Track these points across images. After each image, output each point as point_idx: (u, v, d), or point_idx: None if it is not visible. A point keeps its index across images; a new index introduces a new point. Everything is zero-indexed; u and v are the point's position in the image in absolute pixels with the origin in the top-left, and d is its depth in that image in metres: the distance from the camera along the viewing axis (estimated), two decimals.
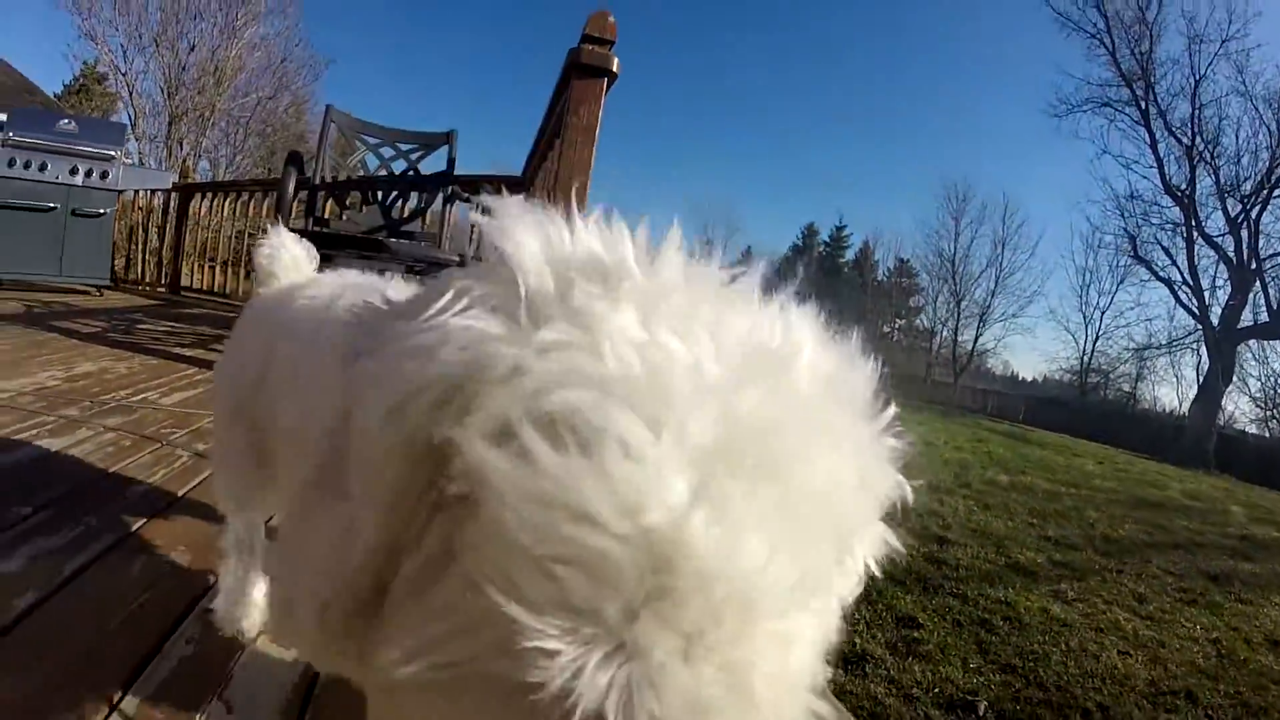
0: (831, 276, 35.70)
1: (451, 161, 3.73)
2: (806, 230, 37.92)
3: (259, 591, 1.15)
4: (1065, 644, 3.67)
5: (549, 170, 3.29)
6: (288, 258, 1.17)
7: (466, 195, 3.66)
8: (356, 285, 0.90)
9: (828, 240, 37.81)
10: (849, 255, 37.48)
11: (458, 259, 3.28)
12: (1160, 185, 25.10)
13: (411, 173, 3.71)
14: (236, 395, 1.01)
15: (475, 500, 0.32)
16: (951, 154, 51.45)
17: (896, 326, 37.04)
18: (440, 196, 3.72)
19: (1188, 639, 4.23)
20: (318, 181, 3.34)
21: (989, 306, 33.46)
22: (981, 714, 2.79)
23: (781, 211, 60.72)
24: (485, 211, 0.40)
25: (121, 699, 0.94)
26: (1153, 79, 24.49)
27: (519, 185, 4.50)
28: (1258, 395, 27.38)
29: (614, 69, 2.42)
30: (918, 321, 36.86)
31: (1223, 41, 23.31)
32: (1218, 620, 4.70)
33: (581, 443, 0.30)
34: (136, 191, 6.80)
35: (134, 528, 1.43)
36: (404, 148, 3.73)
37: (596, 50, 2.41)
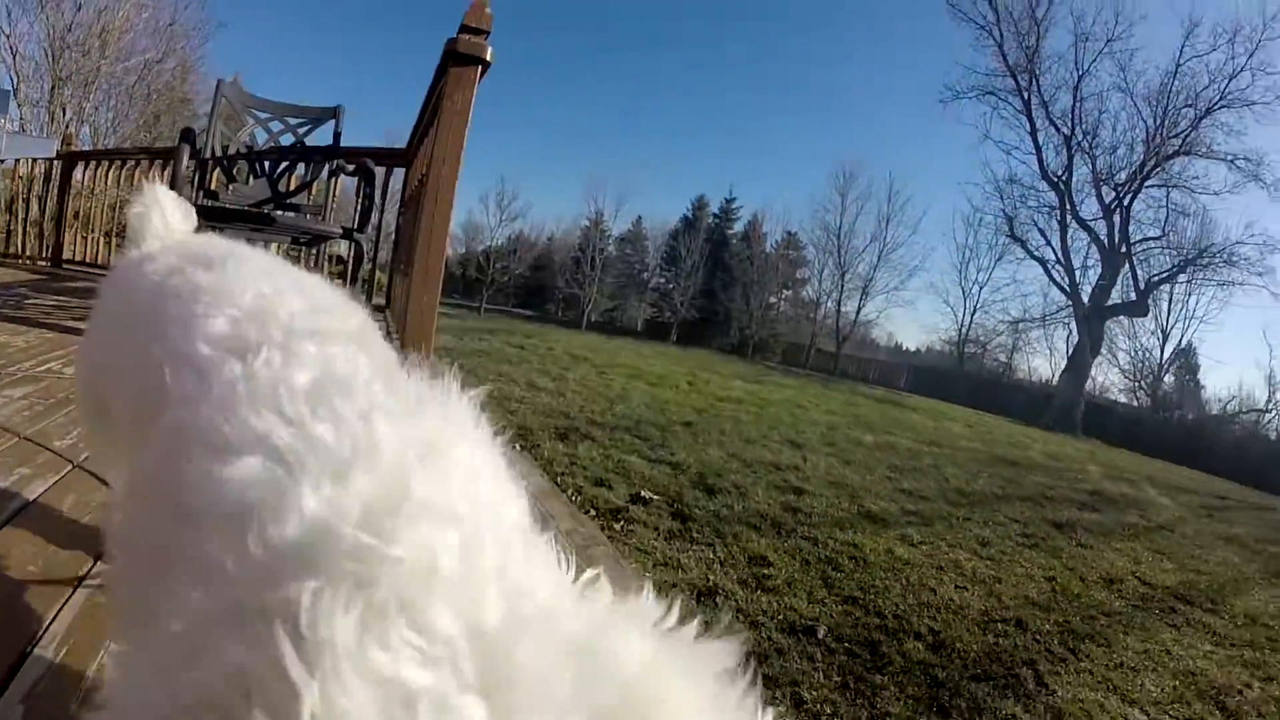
0: (720, 248, 36.29)
1: (338, 135, 3.82)
2: (697, 202, 38.17)
3: None
4: (906, 580, 4.05)
5: (426, 149, 3.46)
6: (158, 218, 1.08)
7: (351, 168, 3.76)
8: (191, 256, 0.85)
9: (718, 213, 38.21)
10: (738, 227, 38.23)
11: (340, 231, 3.43)
12: (1038, 171, 27.06)
13: (299, 145, 3.79)
14: (94, 356, 0.98)
15: None
16: (842, 133, 53.17)
17: (783, 297, 38.06)
18: (326, 169, 3.81)
19: (1024, 577, 4.72)
20: (208, 155, 3.38)
21: (872, 279, 35.12)
22: (821, 636, 3.11)
23: (674, 184, 61.12)
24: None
25: None
26: (1037, 71, 26.25)
27: (401, 158, 4.67)
28: (1126, 368, 30.01)
29: (488, 58, 2.60)
30: (804, 293, 38.23)
31: (1108, 41, 25.34)
32: (1056, 562, 5.24)
33: None
34: (17, 160, 6.50)
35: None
36: (292, 122, 3.79)
37: (473, 40, 2.58)
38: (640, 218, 39.11)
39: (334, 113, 3.84)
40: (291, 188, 3.80)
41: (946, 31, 41.16)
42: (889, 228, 34.92)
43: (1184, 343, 29.77)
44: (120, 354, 0.83)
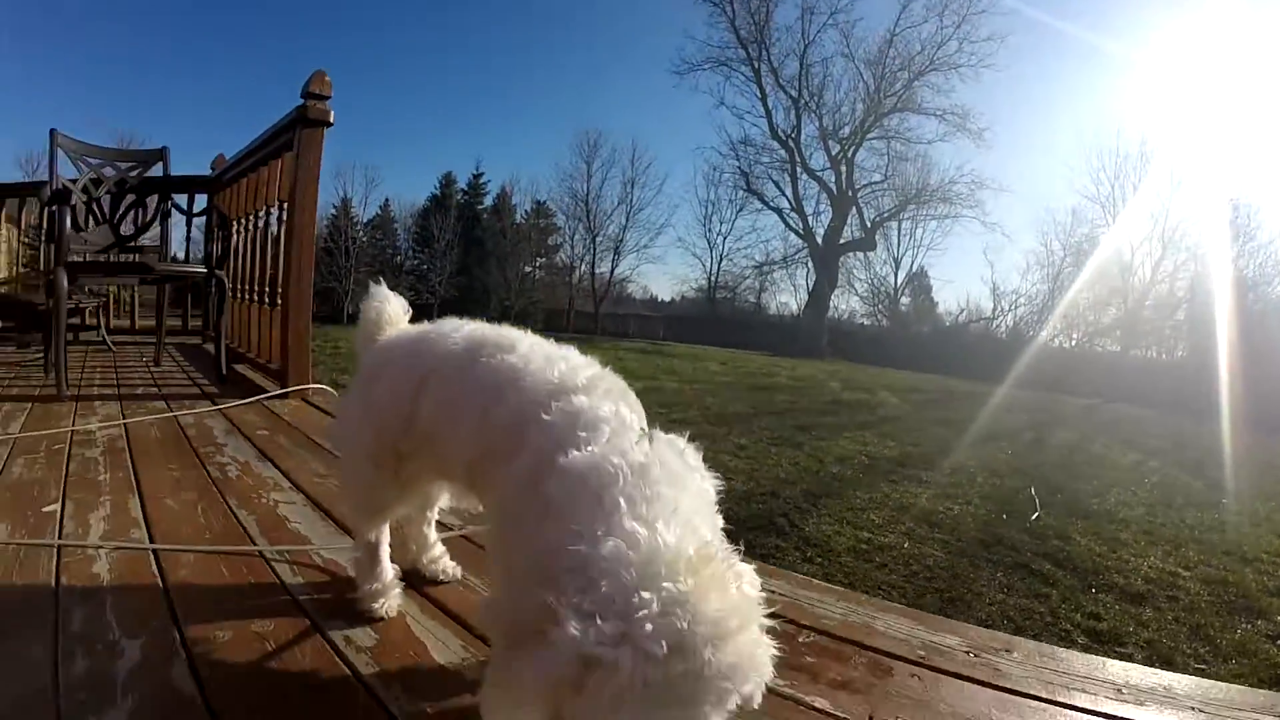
0: (472, 224, 36.49)
1: (167, 176, 4.17)
2: (444, 179, 37.98)
3: (395, 582, 1.39)
4: None
5: (260, 182, 3.99)
6: (392, 310, 1.41)
7: (183, 209, 4.13)
8: (483, 338, 1.17)
9: (466, 188, 38.20)
10: (488, 201, 38.48)
11: (204, 270, 3.89)
12: (769, 131, 30.55)
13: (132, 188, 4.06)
14: (382, 423, 1.24)
15: None
16: (583, 104, 54.71)
17: (537, 265, 39.05)
18: (159, 211, 4.15)
19: (774, 465, 6.20)
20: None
21: (622, 240, 37.22)
22: None
23: (419, 162, 59.85)
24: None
25: None
26: (767, 42, 29.41)
27: (209, 185, 4.96)
28: (865, 295, 34.73)
29: (331, 120, 3.28)
30: (557, 259, 39.51)
31: (832, 13, 28.92)
32: (799, 452, 6.80)
33: None
34: None
35: None
36: (123, 166, 4.09)
37: (319, 105, 3.24)
38: (388, 200, 38.06)
39: (160, 154, 4.19)
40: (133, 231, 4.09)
41: (683, 8, 43.91)
42: (635, 190, 36.87)
43: (915, 268, 34.77)
44: (441, 415, 1.15)
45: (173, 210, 4.30)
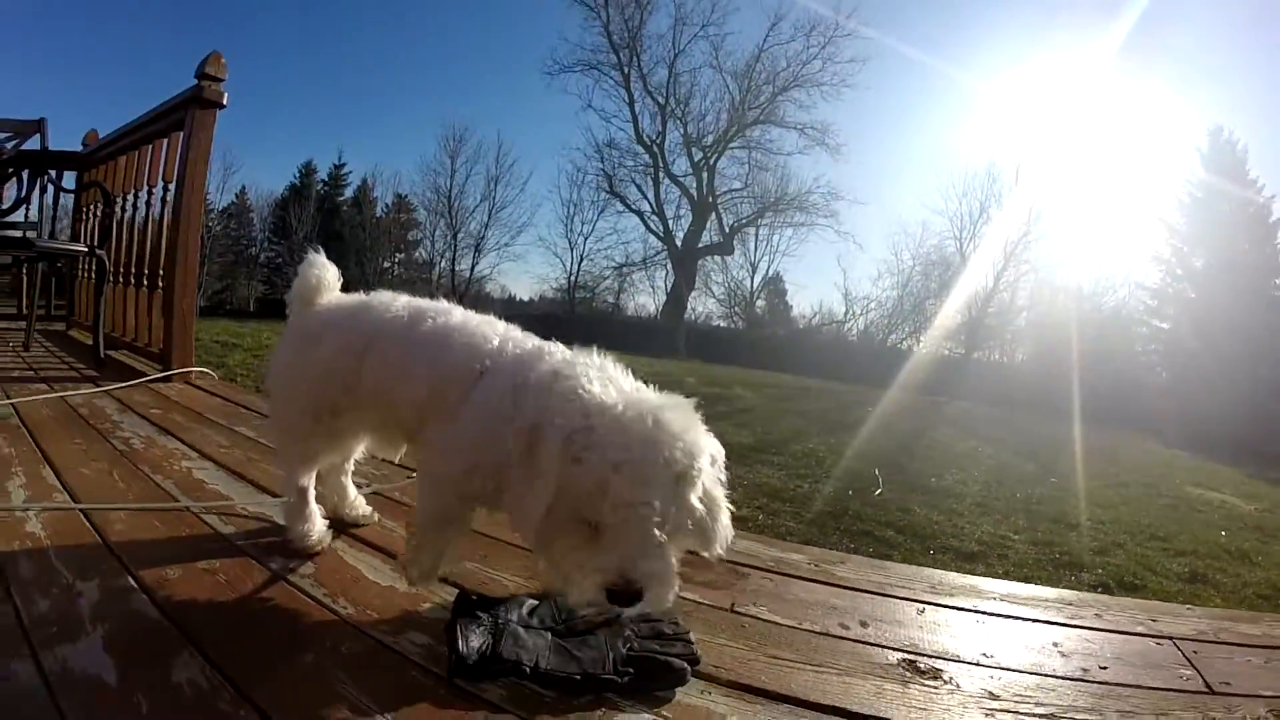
0: (331, 216, 35.29)
1: (45, 149, 3.99)
2: (304, 169, 36.36)
3: (321, 523, 1.57)
4: None
5: (142, 160, 3.93)
6: (329, 278, 1.55)
7: (63, 186, 3.96)
8: (422, 306, 1.41)
9: (326, 179, 36.96)
10: (349, 193, 37.39)
11: (86, 248, 3.77)
12: (634, 135, 31.42)
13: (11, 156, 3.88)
14: (320, 381, 1.43)
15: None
16: (450, 99, 53.55)
17: (397, 261, 38.08)
18: (36, 185, 3.98)
19: None
20: None
21: (484, 237, 36.35)
22: None
23: (278, 149, 57.06)
24: None
25: None
26: (638, 49, 30.29)
27: (81, 161, 4.80)
28: (722, 297, 35.66)
29: (224, 102, 3.29)
30: (416, 254, 38.32)
31: (703, 25, 30.15)
32: None
33: None
34: None
35: None
36: None
37: (214, 87, 3.25)
38: (244, 188, 35.87)
39: (38, 125, 4.02)
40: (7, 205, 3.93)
41: (557, 9, 43.90)
42: (498, 187, 36.09)
43: (771, 272, 35.78)
44: (388, 370, 1.36)
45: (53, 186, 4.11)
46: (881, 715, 1.13)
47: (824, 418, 10.61)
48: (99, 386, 3.11)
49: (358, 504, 1.75)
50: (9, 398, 2.76)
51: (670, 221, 31.87)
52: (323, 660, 1.15)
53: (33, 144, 4.10)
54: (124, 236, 4.09)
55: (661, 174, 31.42)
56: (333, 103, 50.95)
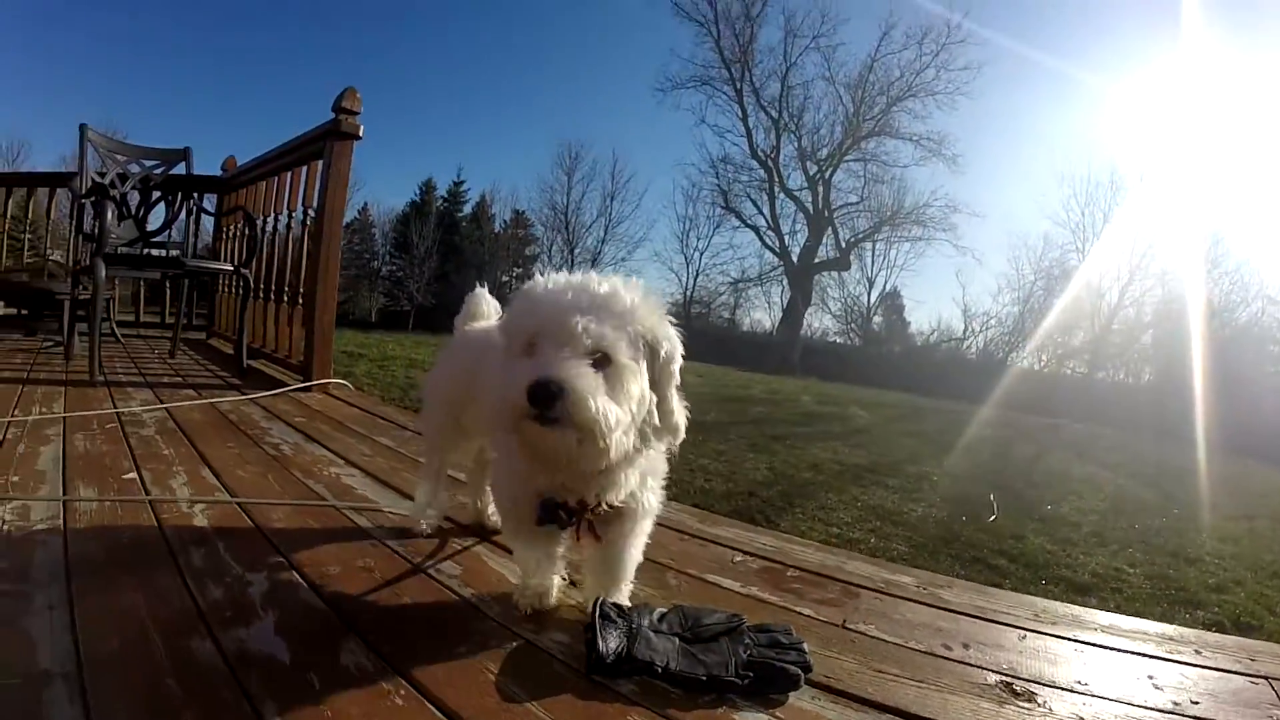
0: (451, 232, 36.51)
1: (190, 174, 4.35)
2: (425, 186, 38.05)
3: (444, 499, 1.81)
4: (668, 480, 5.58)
5: (281, 186, 4.25)
6: (486, 308, 1.79)
7: (207, 209, 4.36)
8: None
9: (445, 195, 38.42)
10: (467, 209, 38.68)
11: (232, 267, 4.10)
12: (749, 150, 31.38)
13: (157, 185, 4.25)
14: (451, 386, 1.67)
15: None
16: (567, 116, 54.98)
17: (515, 275, 38.65)
18: (184, 208, 4.35)
19: (752, 469, 6.48)
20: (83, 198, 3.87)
21: (600, 253, 37.24)
22: None
23: (400, 167, 59.72)
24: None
25: None
26: (750, 63, 30.31)
27: (220, 185, 5.23)
28: (838, 313, 35.16)
29: (360, 135, 3.53)
30: (534, 269, 38.57)
31: (814, 37, 29.91)
32: (774, 459, 7.03)
33: None
34: None
35: None
36: (148, 164, 4.28)
37: (350, 120, 3.50)
38: (367, 204, 37.60)
39: (183, 154, 4.38)
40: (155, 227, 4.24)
41: (670, 26, 44.68)
42: (614, 204, 36.98)
43: (888, 288, 35.13)
44: (486, 383, 1.46)
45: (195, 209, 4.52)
46: None
47: (940, 439, 10.29)
48: (244, 394, 3.35)
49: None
50: (161, 403, 3.03)
51: (786, 236, 31.57)
52: (474, 651, 1.23)
53: (178, 171, 4.46)
54: (263, 256, 4.40)
55: (776, 188, 31.21)
56: (452, 122, 53.24)
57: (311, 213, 3.78)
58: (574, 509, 1.23)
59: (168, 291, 5.02)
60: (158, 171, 4.37)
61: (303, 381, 3.63)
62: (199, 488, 2.00)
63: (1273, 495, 9.84)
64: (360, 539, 1.72)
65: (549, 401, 1.02)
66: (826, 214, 30.47)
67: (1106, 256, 27.73)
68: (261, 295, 4.36)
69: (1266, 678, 1.44)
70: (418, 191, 37.99)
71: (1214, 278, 26.47)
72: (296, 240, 3.99)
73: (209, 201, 5.25)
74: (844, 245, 30.88)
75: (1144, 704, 1.30)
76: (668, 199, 55.76)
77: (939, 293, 53.26)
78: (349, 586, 1.44)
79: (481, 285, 1.84)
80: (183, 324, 4.76)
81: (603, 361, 1.08)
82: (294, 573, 1.49)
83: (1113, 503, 7.07)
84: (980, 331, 32.49)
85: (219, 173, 5.34)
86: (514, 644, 1.28)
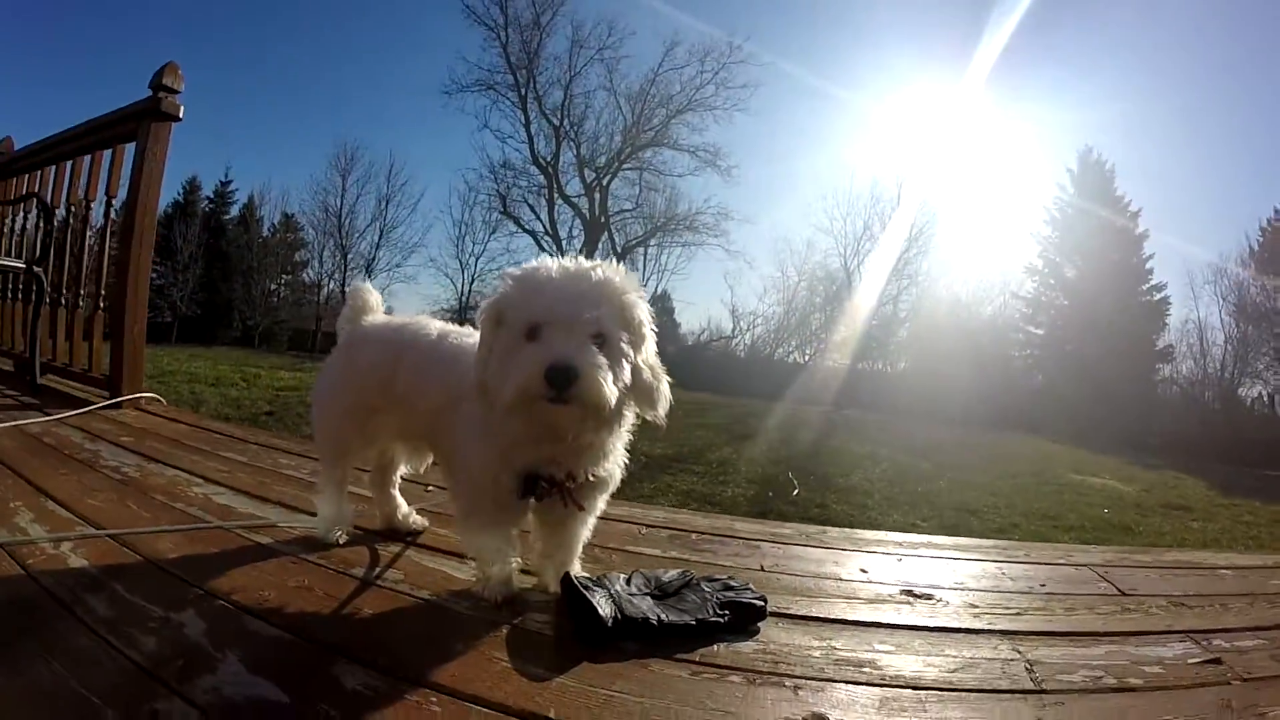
0: (218, 235, 33.49)
1: None
2: (189, 184, 34.28)
3: (350, 511, 1.70)
4: None
5: (77, 173, 3.70)
6: (374, 301, 1.74)
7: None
8: (448, 328, 1.56)
9: (211, 196, 35.26)
10: (234, 211, 35.68)
11: (23, 264, 3.48)
12: (530, 156, 31.07)
13: None
14: (356, 390, 1.59)
15: None
16: (342, 117, 51.69)
17: (283, 282, 36.72)
18: None
19: None
20: None
21: (374, 258, 35.23)
22: None
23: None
24: None
25: None
26: (535, 71, 29.98)
27: None
28: None
29: (180, 115, 3.14)
30: (304, 275, 36.96)
31: (599, 49, 30.17)
32: None
33: None
34: None
35: None
36: None
37: (170, 99, 3.09)
38: (122, 206, 33.26)
39: None
40: None
41: (457, 29, 43.05)
42: (389, 207, 35.30)
43: (659, 290, 35.82)
44: (414, 377, 1.50)
45: None
46: (904, 623, 1.45)
47: (729, 429, 10.97)
48: (48, 415, 2.87)
49: (409, 514, 1.79)
50: None
51: (564, 242, 31.43)
52: (470, 645, 1.21)
53: None
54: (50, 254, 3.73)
55: (555, 195, 31.25)
56: (219, 115, 47.97)
57: (118, 204, 3.33)
58: (557, 481, 1.26)
59: None
60: None
61: (110, 397, 3.18)
62: (54, 524, 1.68)
63: (1029, 458, 11.57)
64: (274, 557, 1.56)
65: (566, 384, 1.07)
66: (603, 220, 31.04)
67: (866, 259, 30.69)
68: (51, 301, 3.70)
69: (1086, 565, 1.96)
70: (180, 191, 33.91)
71: (964, 277, 30.45)
72: (96, 236, 3.48)
73: None
74: (619, 250, 31.54)
75: (1008, 589, 1.72)
76: (445, 204, 53.97)
77: (707, 294, 56.05)
78: (299, 608, 1.31)
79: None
80: None
81: (599, 341, 1.15)
82: (225, 603, 1.32)
83: (895, 473, 8.02)
84: (748, 330, 34.45)
85: None
86: (504, 630, 1.28)
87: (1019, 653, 1.35)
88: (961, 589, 1.70)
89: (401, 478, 1.81)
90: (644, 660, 1.19)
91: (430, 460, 1.75)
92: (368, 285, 1.76)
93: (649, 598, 1.36)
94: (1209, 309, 29.25)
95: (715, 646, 1.26)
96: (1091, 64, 38.27)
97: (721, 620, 1.31)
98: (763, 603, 1.40)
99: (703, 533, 2.01)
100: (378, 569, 1.53)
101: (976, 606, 1.57)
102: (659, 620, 1.27)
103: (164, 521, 1.74)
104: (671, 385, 1.30)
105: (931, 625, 1.45)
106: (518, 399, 1.11)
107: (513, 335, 1.17)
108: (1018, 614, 1.55)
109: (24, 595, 1.32)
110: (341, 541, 1.65)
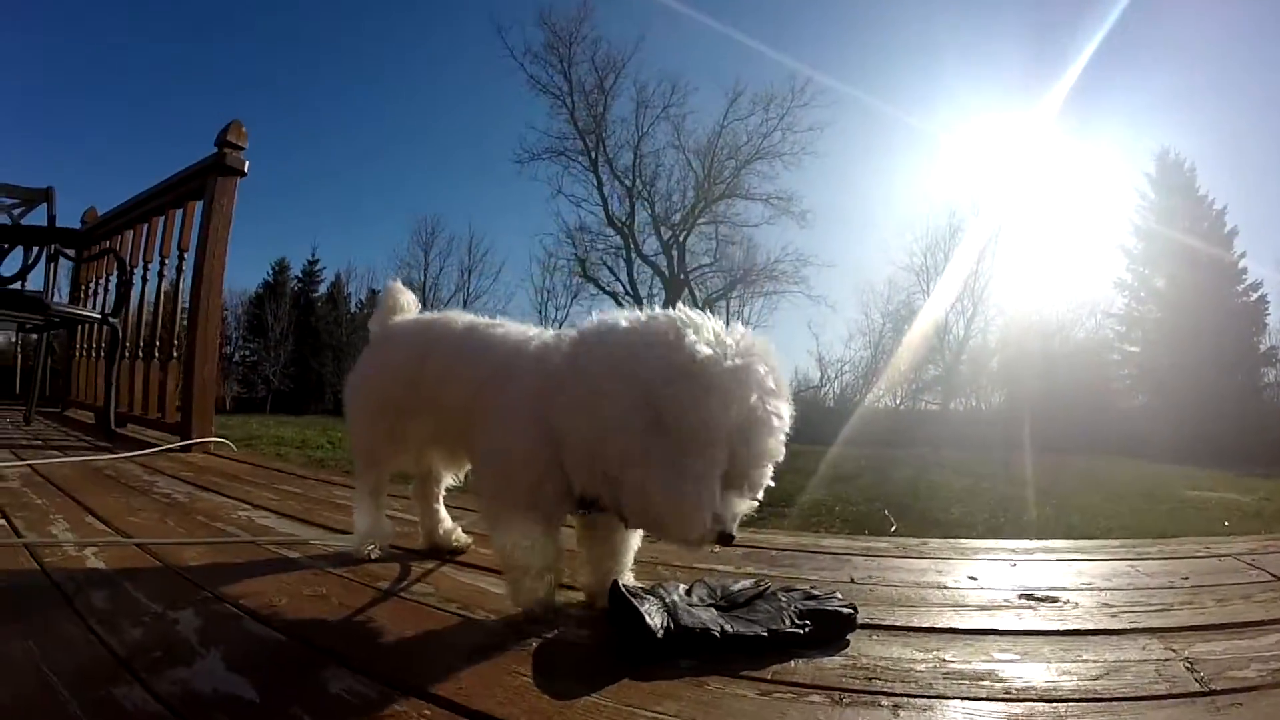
0: (306, 313, 34.63)
1: (52, 219, 3.80)
2: (277, 266, 35.77)
3: (388, 525, 1.56)
4: None
5: (153, 232, 3.80)
6: (406, 301, 1.63)
7: (69, 253, 3.79)
8: (476, 320, 1.41)
9: (300, 275, 36.40)
10: (322, 290, 36.83)
11: (99, 315, 3.55)
12: (605, 218, 31.20)
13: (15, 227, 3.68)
14: (387, 387, 1.46)
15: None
16: (423, 191, 53.51)
17: None
18: (44, 254, 3.78)
19: None
20: None
21: None
22: None
23: (251, 247, 56.22)
24: None
25: None
26: (603, 134, 30.33)
27: (79, 239, 4.55)
28: None
29: (245, 170, 3.20)
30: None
31: (664, 107, 30.22)
32: None
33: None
34: None
35: None
36: (6, 201, 3.71)
37: (235, 154, 3.16)
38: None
39: (46, 194, 3.82)
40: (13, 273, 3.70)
41: (524, 99, 44.85)
42: (471, 278, 35.61)
43: None
44: (441, 373, 1.37)
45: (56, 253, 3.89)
46: (1027, 628, 1.21)
47: (819, 474, 10.49)
48: (117, 454, 2.88)
49: (453, 529, 1.61)
50: (22, 460, 2.57)
51: (645, 301, 31.45)
52: (489, 657, 1.01)
53: (39, 213, 3.92)
54: (130, 310, 3.87)
55: (633, 254, 31.18)
56: (305, 199, 50.64)
57: (189, 256, 3.38)
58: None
59: (17, 356, 4.35)
60: (16, 212, 3.83)
61: (180, 440, 3.17)
62: (86, 533, 1.63)
63: (1136, 479, 10.81)
64: (298, 569, 1.42)
65: (727, 541, 1.01)
66: (682, 276, 30.75)
67: (950, 294, 29.54)
68: (128, 354, 3.81)
69: (1229, 555, 1.73)
70: (270, 272, 35.65)
71: (1052, 301, 28.81)
72: (170, 290, 3.56)
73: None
74: (700, 306, 31.19)
75: (1147, 586, 1.48)
76: (525, 271, 54.82)
77: (793, 345, 54.47)
78: (307, 615, 1.16)
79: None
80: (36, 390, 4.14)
81: None
82: (230, 606, 1.19)
83: (997, 505, 7.49)
84: (835, 378, 33.07)
85: (78, 225, 4.62)
86: (533, 643, 1.07)
87: (1174, 651, 1.10)
88: (1090, 589, 1.45)
89: (447, 490, 1.64)
90: (701, 677, 0.96)
91: (469, 468, 1.55)
92: (399, 285, 1.65)
93: (713, 609, 1.14)
94: None
95: (793, 662, 1.02)
96: (1161, 62, 35.82)
97: (801, 631, 1.08)
98: (852, 611, 1.15)
99: (784, 549, 1.74)
100: (404, 581, 1.36)
101: (1112, 606, 1.33)
102: (721, 631, 1.04)
103: (197, 536, 1.66)
104: None
105: (1061, 629, 1.20)
106: (682, 534, 1.00)
107: (699, 449, 0.97)
108: (1163, 610, 1.31)
109: (31, 585, 1.30)
110: (374, 556, 1.51)
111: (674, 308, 1.05)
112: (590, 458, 1.03)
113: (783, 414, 0.99)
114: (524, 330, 1.32)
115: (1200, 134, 36.88)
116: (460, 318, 1.47)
